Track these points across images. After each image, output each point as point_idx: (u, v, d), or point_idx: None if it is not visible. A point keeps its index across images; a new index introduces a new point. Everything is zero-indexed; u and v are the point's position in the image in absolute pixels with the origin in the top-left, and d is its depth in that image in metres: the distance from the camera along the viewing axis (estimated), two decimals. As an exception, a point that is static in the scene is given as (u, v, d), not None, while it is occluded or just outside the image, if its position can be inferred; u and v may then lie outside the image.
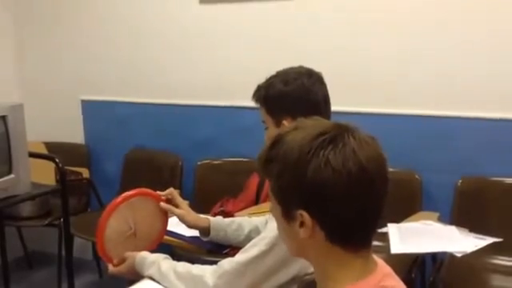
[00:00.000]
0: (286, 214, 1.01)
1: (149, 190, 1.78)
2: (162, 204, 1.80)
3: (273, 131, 1.60)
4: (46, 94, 3.77)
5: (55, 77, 3.73)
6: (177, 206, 1.83)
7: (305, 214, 0.97)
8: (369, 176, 0.96)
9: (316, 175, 0.94)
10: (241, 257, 1.53)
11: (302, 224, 0.98)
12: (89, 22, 3.57)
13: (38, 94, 3.76)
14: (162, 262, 1.62)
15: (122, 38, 3.48)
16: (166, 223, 1.83)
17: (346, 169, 0.94)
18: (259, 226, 1.84)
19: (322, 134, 0.97)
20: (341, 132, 0.98)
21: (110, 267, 1.70)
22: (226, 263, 1.53)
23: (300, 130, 1.00)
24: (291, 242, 1.05)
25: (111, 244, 1.68)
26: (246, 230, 1.86)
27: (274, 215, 1.07)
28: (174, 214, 1.83)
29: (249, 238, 1.73)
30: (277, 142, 1.01)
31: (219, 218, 1.92)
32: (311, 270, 1.48)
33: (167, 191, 1.83)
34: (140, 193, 1.74)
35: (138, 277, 1.65)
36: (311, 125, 1.01)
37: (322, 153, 0.95)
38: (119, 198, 1.68)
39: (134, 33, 3.44)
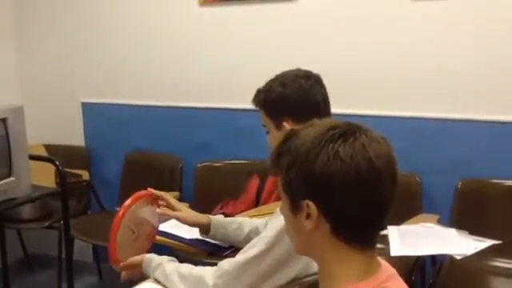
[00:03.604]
0: (293, 206, 1.02)
1: (141, 192, 1.79)
2: (158, 210, 1.81)
3: (274, 134, 1.62)
4: (46, 96, 3.77)
5: (56, 79, 3.73)
6: (172, 208, 1.84)
7: (311, 203, 0.98)
8: (377, 172, 0.97)
9: (324, 166, 0.96)
10: (240, 257, 1.54)
11: (308, 216, 1.00)
12: (89, 25, 3.57)
13: (39, 96, 3.76)
14: (167, 264, 1.63)
15: (122, 40, 3.49)
16: (157, 217, 1.85)
17: (355, 162, 0.96)
18: (259, 228, 1.85)
19: (333, 128, 1.00)
20: (352, 128, 1.00)
21: (123, 275, 1.73)
22: (226, 263, 1.54)
23: (313, 126, 1.03)
24: (297, 235, 1.06)
25: (121, 251, 1.72)
26: (246, 230, 1.87)
27: (283, 211, 1.08)
28: (171, 216, 1.84)
29: (248, 239, 1.73)
30: (290, 136, 1.04)
31: (220, 216, 1.94)
32: (311, 271, 1.49)
33: (160, 193, 1.83)
34: (136, 198, 1.76)
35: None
36: (324, 123, 1.04)
37: (331, 145, 0.97)
38: (121, 212, 1.70)
39: (134, 35, 3.44)
